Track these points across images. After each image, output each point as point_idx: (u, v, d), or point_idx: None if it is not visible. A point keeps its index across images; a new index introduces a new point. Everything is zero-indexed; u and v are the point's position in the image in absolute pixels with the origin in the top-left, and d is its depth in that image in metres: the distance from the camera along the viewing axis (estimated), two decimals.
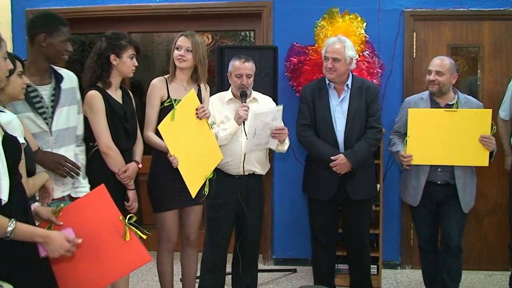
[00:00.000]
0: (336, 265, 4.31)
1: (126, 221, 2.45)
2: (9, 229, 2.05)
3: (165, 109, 3.44)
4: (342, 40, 3.84)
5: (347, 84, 3.84)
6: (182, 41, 3.51)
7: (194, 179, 3.41)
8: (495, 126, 3.53)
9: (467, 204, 3.80)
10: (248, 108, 3.59)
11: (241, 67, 3.65)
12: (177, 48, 3.51)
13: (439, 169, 3.77)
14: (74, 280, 2.43)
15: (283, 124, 3.67)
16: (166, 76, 3.58)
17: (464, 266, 4.75)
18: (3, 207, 2.08)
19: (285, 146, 3.78)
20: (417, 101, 3.86)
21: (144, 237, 2.53)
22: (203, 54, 3.54)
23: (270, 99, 3.95)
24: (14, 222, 2.07)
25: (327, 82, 3.87)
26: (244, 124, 3.57)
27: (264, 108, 3.71)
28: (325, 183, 3.84)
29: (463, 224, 3.89)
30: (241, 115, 3.54)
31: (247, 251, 3.89)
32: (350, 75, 3.89)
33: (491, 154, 3.65)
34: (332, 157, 3.73)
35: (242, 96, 3.61)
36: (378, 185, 4.30)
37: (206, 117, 3.49)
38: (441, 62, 3.77)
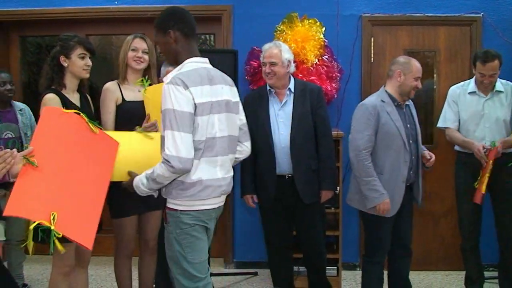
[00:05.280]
0: (297, 267, 4.33)
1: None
2: None
3: (121, 108, 3.45)
4: (277, 44, 3.85)
5: (289, 88, 3.84)
6: (138, 43, 3.53)
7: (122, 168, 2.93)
8: None
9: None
10: None
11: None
12: (133, 50, 3.50)
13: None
14: (80, 192, 2.40)
15: None
16: (117, 80, 3.55)
17: (422, 266, 4.91)
18: None
19: None
20: (384, 105, 3.53)
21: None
22: (155, 56, 3.63)
23: None
24: None
25: (268, 88, 3.87)
26: None
27: None
28: (265, 189, 3.88)
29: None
30: None
31: None
32: (292, 78, 3.90)
33: None
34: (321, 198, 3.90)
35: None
36: (338, 188, 4.34)
37: None
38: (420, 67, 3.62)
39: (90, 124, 2.55)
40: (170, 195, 2.66)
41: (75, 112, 2.56)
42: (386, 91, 3.62)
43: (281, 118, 3.81)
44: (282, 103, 3.83)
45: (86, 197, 2.39)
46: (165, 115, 2.51)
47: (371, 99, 3.62)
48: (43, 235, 2.20)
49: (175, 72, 2.63)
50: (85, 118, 2.54)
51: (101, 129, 2.60)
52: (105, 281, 4.77)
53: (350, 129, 3.62)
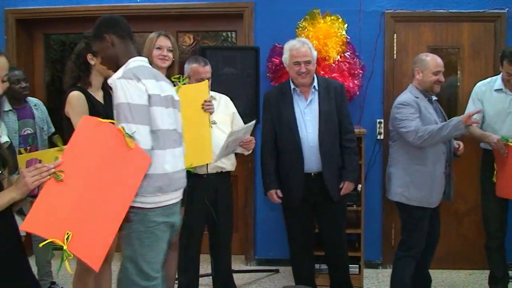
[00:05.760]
0: (318, 265, 4.32)
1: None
2: None
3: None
4: (305, 41, 3.82)
5: (314, 86, 3.79)
6: (163, 41, 3.57)
7: None
8: None
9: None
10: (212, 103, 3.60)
11: (202, 71, 3.65)
12: (158, 48, 3.52)
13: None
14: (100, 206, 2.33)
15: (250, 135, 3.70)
16: None
17: (445, 265, 4.86)
18: None
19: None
20: (419, 100, 3.66)
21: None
22: (178, 53, 3.66)
23: (227, 98, 3.91)
24: None
25: (292, 86, 3.82)
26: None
27: (240, 126, 3.74)
28: (291, 188, 3.83)
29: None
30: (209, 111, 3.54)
31: (218, 251, 3.90)
32: (315, 75, 3.85)
33: None
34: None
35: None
36: (360, 185, 4.32)
37: (210, 111, 3.49)
38: (442, 61, 3.73)
39: (126, 138, 2.45)
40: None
41: (112, 123, 2.52)
42: (416, 87, 3.72)
43: (307, 117, 3.76)
44: (308, 101, 3.78)
45: (105, 217, 2.32)
46: (119, 109, 2.51)
47: (407, 95, 3.71)
48: (53, 252, 2.21)
49: (121, 70, 2.63)
50: (122, 131, 2.49)
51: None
52: None
53: (397, 128, 3.65)
